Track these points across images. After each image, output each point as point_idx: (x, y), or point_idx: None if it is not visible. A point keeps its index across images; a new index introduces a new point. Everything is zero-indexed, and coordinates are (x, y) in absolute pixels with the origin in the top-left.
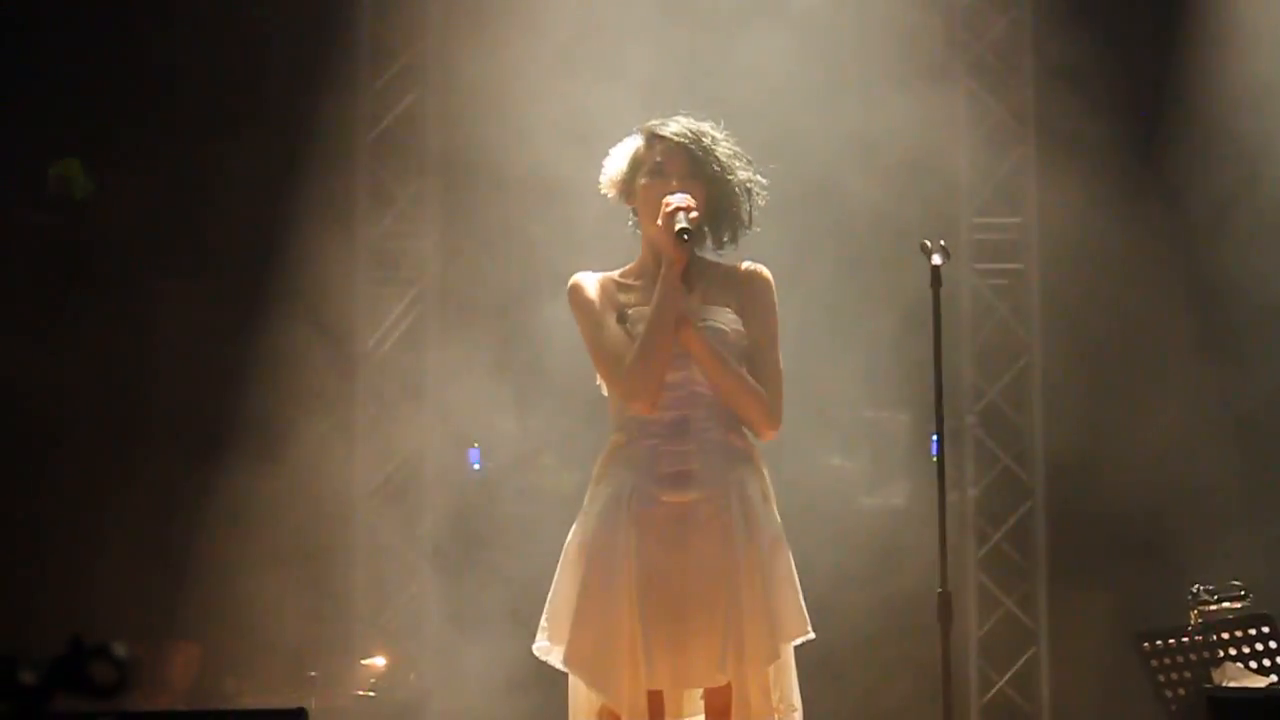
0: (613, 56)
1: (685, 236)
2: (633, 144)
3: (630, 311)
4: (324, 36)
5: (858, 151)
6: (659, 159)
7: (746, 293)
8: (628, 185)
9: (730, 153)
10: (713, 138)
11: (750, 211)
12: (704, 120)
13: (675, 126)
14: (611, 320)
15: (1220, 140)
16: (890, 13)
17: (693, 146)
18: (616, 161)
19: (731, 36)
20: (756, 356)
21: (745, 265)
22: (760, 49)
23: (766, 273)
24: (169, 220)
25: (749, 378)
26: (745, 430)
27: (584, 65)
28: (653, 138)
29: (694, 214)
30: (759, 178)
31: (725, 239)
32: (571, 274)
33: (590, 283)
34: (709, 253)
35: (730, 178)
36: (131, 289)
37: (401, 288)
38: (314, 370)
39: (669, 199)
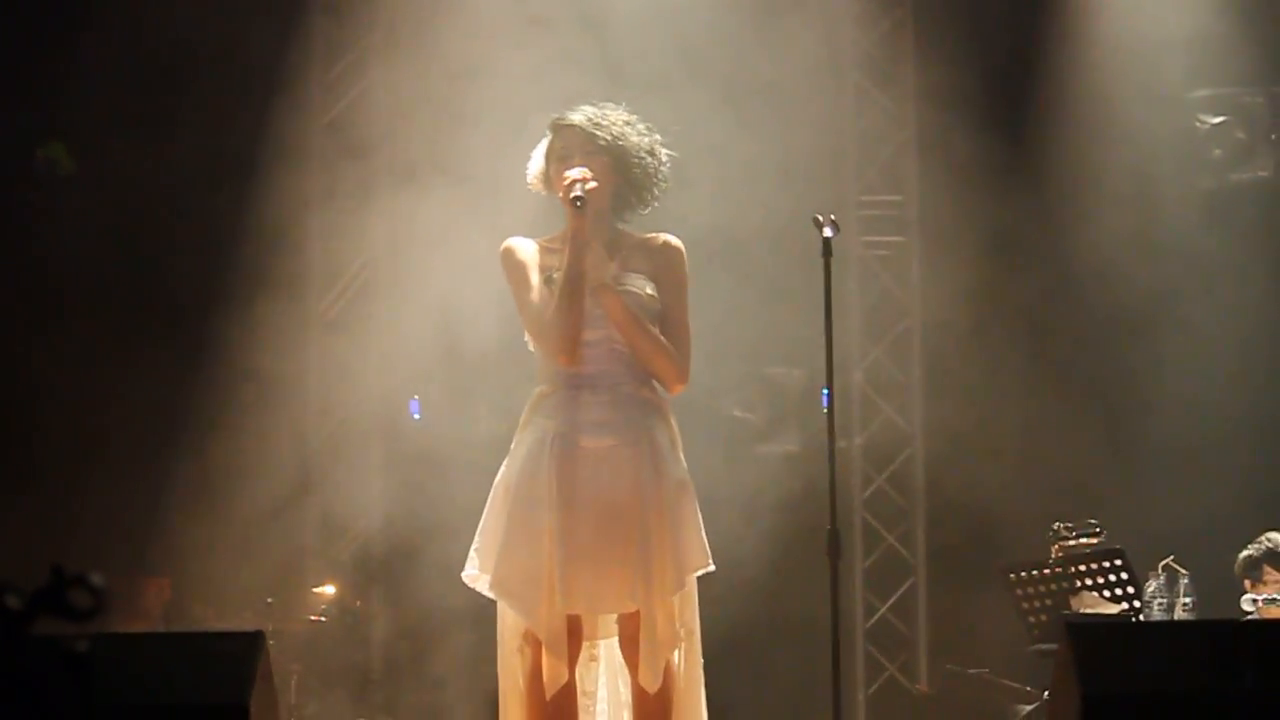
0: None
1: (579, 204)
2: (544, 142)
3: (555, 275)
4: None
5: (758, 138)
6: (564, 144)
7: (661, 261)
8: (546, 176)
9: (624, 121)
10: (604, 114)
11: (657, 168)
12: (605, 105)
13: (572, 114)
14: (539, 282)
15: (1082, 124)
16: (786, 13)
17: (588, 126)
18: (535, 160)
19: (649, 31)
20: (668, 318)
21: (660, 237)
22: (667, 44)
23: (679, 243)
24: (140, 199)
25: (661, 337)
26: (656, 384)
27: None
28: (555, 129)
29: (591, 184)
30: (657, 136)
31: (647, 197)
32: (502, 237)
33: (520, 247)
34: (636, 222)
35: (624, 143)
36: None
37: (348, 257)
38: (273, 328)
39: (566, 173)
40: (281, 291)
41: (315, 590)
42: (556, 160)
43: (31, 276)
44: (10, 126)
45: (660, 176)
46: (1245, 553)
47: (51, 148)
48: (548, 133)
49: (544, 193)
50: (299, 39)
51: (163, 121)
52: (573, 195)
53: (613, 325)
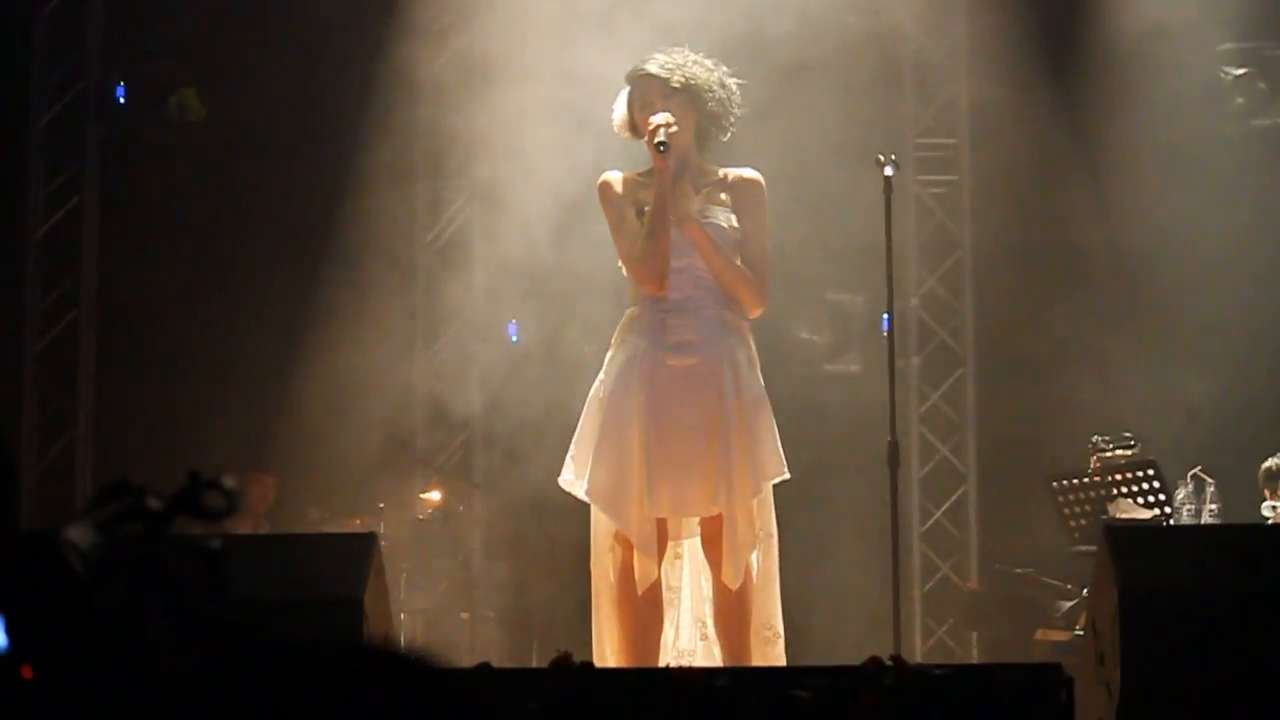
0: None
1: (663, 148)
2: (625, 91)
3: (647, 208)
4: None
5: (829, 83)
6: (643, 93)
7: (741, 194)
8: (631, 122)
9: (693, 61)
10: (674, 58)
11: (728, 98)
12: (673, 50)
13: (647, 64)
14: (631, 214)
15: (1119, 74)
16: None
17: (662, 72)
18: (619, 109)
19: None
20: (748, 247)
21: (742, 171)
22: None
23: (759, 177)
24: (274, 131)
25: (741, 265)
26: (736, 308)
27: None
28: (633, 79)
29: (673, 128)
30: (724, 68)
31: (725, 124)
32: (595, 175)
33: (615, 180)
34: (719, 150)
35: (696, 82)
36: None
37: (453, 193)
38: (383, 257)
39: (651, 119)
40: (396, 221)
41: (422, 496)
42: (639, 108)
43: (176, 214)
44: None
45: (733, 104)
46: (1267, 464)
47: (183, 94)
48: (626, 83)
49: (630, 138)
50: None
51: (285, 67)
52: (656, 140)
53: (697, 254)
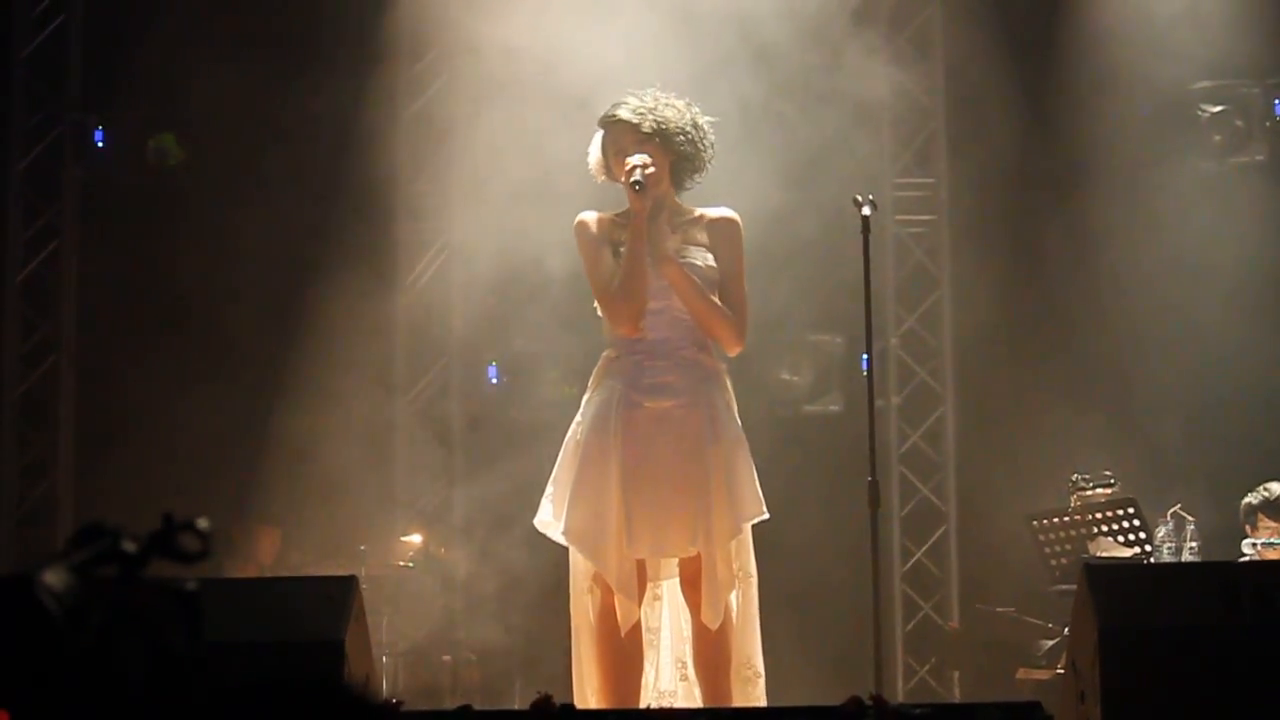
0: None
1: (638, 188)
2: (599, 136)
3: (622, 249)
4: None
5: (805, 127)
6: (616, 138)
7: (718, 233)
8: (606, 167)
9: (664, 103)
10: (645, 102)
11: (701, 137)
12: (645, 92)
13: (618, 110)
14: (607, 255)
15: (1096, 114)
16: (828, 18)
17: (633, 118)
18: (593, 153)
19: (683, 22)
20: (726, 287)
21: (719, 211)
22: (714, 40)
23: (736, 217)
24: (252, 175)
25: (720, 305)
26: (714, 349)
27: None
28: (607, 125)
29: (650, 170)
30: (695, 108)
31: (700, 164)
32: (570, 218)
33: (592, 220)
34: (696, 190)
35: (668, 126)
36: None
37: (432, 234)
38: (363, 304)
39: (627, 161)
40: (373, 266)
41: (403, 539)
42: (614, 154)
43: (155, 258)
44: (124, 119)
45: (706, 144)
46: (1246, 500)
47: (162, 138)
48: (599, 127)
49: (606, 180)
50: (388, 35)
51: (263, 112)
52: (632, 180)
53: (675, 295)
